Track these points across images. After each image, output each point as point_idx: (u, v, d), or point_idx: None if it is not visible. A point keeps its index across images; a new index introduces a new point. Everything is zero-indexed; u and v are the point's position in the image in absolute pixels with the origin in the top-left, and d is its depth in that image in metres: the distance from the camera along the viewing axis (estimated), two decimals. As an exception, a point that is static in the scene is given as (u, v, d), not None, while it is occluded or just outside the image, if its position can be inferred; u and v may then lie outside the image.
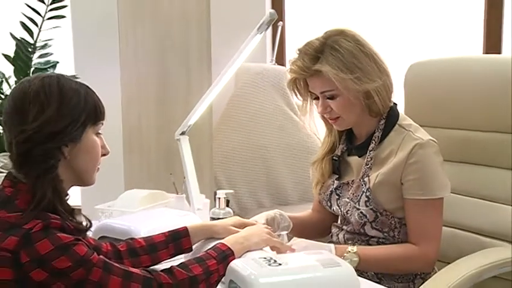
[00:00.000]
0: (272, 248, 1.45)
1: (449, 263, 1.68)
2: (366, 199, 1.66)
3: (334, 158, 1.79)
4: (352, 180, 1.73)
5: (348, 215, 1.71)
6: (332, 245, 1.61)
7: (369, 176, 1.67)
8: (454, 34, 2.80)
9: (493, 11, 2.63)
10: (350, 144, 1.78)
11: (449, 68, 1.96)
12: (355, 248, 1.61)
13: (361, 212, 1.67)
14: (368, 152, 1.69)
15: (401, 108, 1.83)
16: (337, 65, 1.61)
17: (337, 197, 1.77)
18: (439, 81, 1.95)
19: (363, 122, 1.71)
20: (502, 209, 1.80)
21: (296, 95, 1.77)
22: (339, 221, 1.81)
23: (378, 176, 1.65)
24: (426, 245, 1.64)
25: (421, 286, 1.58)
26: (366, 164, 1.69)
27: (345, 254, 1.59)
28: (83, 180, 1.32)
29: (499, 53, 2.63)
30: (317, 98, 1.71)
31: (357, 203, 1.68)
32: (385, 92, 1.67)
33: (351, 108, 1.67)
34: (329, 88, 1.65)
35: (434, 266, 1.70)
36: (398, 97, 1.77)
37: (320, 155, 1.83)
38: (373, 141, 1.69)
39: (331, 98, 1.67)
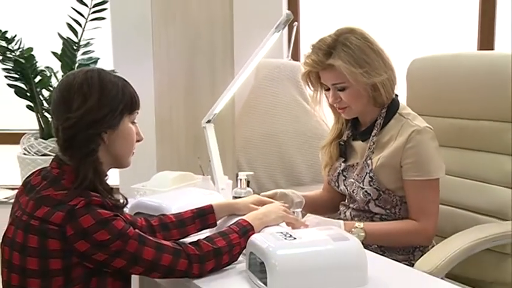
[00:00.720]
0: (288, 224, 1.45)
1: (446, 238, 1.67)
2: (370, 179, 1.64)
3: (340, 143, 1.77)
4: (357, 163, 1.71)
5: (354, 193, 1.70)
6: (341, 222, 1.60)
7: (371, 159, 1.66)
8: (451, 32, 2.77)
9: (486, 11, 2.60)
10: (355, 130, 1.76)
11: (448, 63, 1.95)
12: (361, 224, 1.61)
13: (366, 191, 1.65)
14: (371, 137, 1.68)
15: (403, 99, 1.81)
16: (349, 60, 1.60)
17: (343, 177, 1.75)
18: (439, 75, 1.94)
19: (368, 111, 1.70)
20: (494, 190, 1.79)
21: (309, 86, 1.76)
22: (346, 200, 1.79)
23: (380, 159, 1.64)
24: (425, 221, 1.63)
25: (421, 258, 1.57)
26: (369, 148, 1.67)
27: (353, 230, 1.59)
28: (120, 163, 1.32)
29: (492, 49, 2.60)
30: (328, 89, 1.69)
31: (361, 183, 1.66)
32: (389, 84, 1.66)
33: (358, 99, 1.65)
34: (340, 80, 1.63)
35: (433, 240, 1.69)
36: (400, 89, 1.75)
37: (328, 140, 1.82)
38: (376, 128, 1.68)
39: (342, 89, 1.65)
